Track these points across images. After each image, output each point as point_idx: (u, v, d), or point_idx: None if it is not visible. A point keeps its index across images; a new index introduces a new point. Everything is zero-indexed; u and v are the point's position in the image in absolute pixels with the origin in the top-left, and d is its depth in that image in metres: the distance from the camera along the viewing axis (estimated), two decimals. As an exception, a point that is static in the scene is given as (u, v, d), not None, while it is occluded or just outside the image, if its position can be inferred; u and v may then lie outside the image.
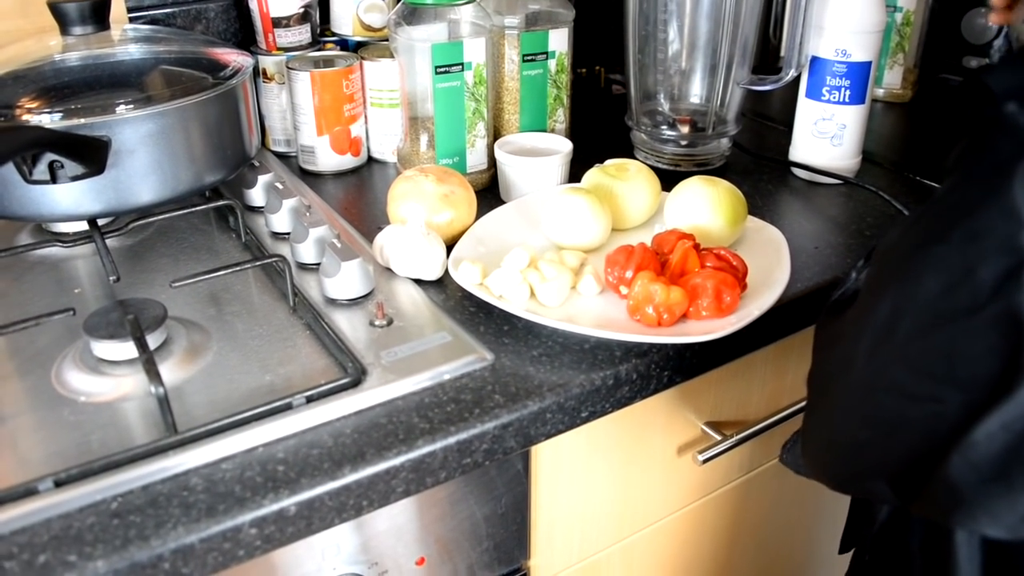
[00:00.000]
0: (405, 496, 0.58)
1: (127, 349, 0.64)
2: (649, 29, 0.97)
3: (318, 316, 0.69)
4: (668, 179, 0.86)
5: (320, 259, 0.74)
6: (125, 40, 0.84)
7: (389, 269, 0.76)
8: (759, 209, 0.88)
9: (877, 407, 0.45)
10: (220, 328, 0.70)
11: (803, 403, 0.82)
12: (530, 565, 0.74)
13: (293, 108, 0.95)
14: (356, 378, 0.61)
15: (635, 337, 0.66)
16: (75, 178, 0.70)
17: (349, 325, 0.68)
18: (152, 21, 1.00)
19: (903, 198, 0.88)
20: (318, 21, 1.02)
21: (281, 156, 1.02)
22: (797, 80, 0.94)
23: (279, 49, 0.98)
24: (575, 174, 0.88)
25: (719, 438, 0.78)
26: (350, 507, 0.56)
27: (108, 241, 0.75)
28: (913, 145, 1.10)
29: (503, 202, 0.88)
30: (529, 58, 0.93)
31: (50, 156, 0.69)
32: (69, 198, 0.72)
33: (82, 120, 0.70)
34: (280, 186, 0.84)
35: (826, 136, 0.94)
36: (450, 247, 0.76)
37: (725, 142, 1.00)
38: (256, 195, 0.87)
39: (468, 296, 0.72)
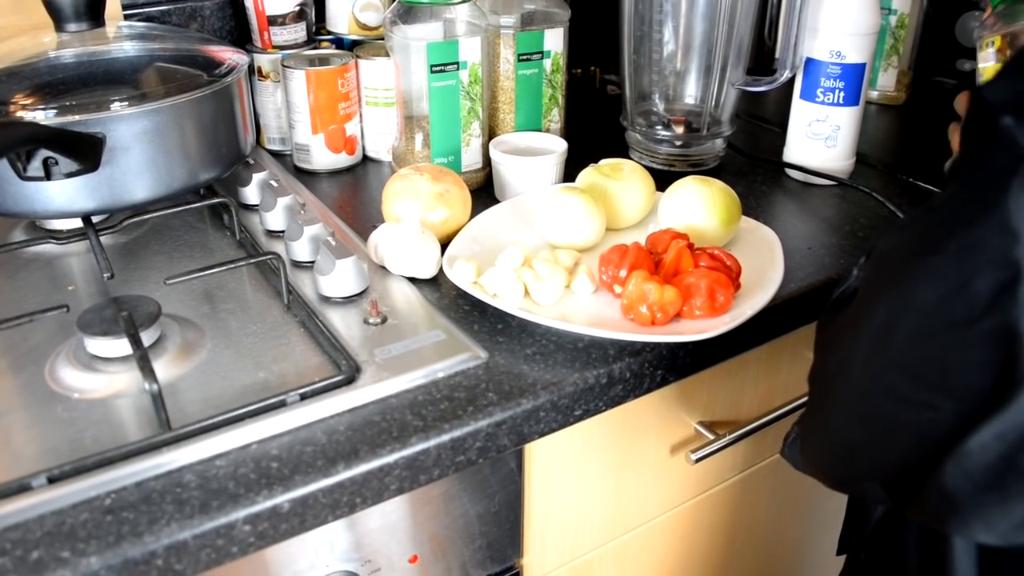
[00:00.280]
0: (399, 493, 0.58)
1: (121, 346, 0.64)
2: (644, 30, 0.97)
3: (312, 314, 0.69)
4: (662, 179, 0.86)
5: (314, 257, 0.75)
6: (120, 37, 0.83)
7: (383, 267, 0.76)
8: (753, 210, 0.88)
9: (873, 410, 0.46)
10: (214, 325, 0.69)
11: (796, 403, 0.83)
12: (523, 564, 0.74)
13: (288, 106, 0.95)
14: (350, 376, 0.62)
15: (629, 336, 0.66)
16: (69, 175, 0.70)
17: (343, 323, 0.69)
18: (147, 18, 1.00)
19: (896, 199, 0.89)
20: (314, 19, 1.03)
21: (276, 154, 1.02)
22: (791, 81, 0.94)
23: (274, 47, 0.98)
24: (570, 174, 0.89)
25: (712, 437, 0.78)
26: (344, 504, 0.56)
27: (102, 238, 0.75)
28: (907, 147, 1.10)
29: (498, 201, 0.88)
30: (524, 58, 0.93)
31: (44, 153, 0.69)
32: (63, 195, 0.72)
33: (77, 117, 0.70)
34: (275, 184, 0.84)
35: (820, 137, 0.94)
36: (444, 246, 0.76)
37: (720, 143, 1.00)
38: (251, 193, 0.87)
39: (462, 294, 0.72)
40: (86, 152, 0.70)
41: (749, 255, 0.76)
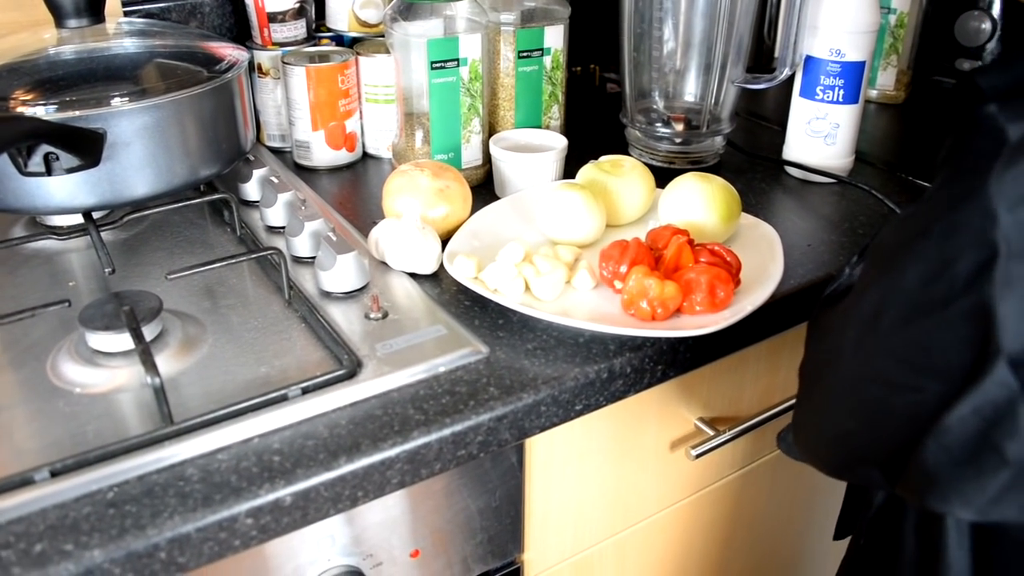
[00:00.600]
0: (400, 487, 0.58)
1: (123, 340, 0.64)
2: (644, 27, 0.97)
3: (313, 309, 0.69)
4: (662, 176, 0.86)
5: (315, 253, 0.75)
6: (120, 34, 0.84)
7: (384, 263, 0.76)
8: (753, 207, 0.88)
9: (863, 396, 0.47)
10: (215, 321, 0.70)
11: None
12: (523, 559, 0.74)
13: (288, 103, 0.95)
14: (351, 370, 0.62)
15: (629, 331, 0.66)
16: (70, 170, 0.70)
17: (344, 318, 0.69)
18: (147, 15, 1.00)
19: (895, 197, 0.89)
20: (314, 16, 1.03)
21: (276, 151, 1.02)
22: (791, 79, 0.94)
23: (274, 44, 0.99)
24: (569, 171, 0.89)
25: (712, 433, 0.78)
26: (345, 498, 0.56)
27: (103, 234, 0.75)
28: (906, 145, 1.10)
29: (498, 198, 0.88)
30: (525, 55, 0.93)
31: (46, 148, 0.69)
32: (64, 191, 0.72)
33: (77, 112, 0.70)
34: (275, 180, 0.84)
35: (819, 135, 0.94)
36: (445, 242, 0.76)
37: (719, 140, 1.00)
38: (251, 189, 0.87)
39: (463, 290, 0.72)
40: (87, 148, 0.70)
41: (749, 251, 0.76)
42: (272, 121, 1.01)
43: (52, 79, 0.74)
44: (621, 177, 0.82)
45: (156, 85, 0.74)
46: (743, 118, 1.15)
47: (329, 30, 1.04)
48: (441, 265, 0.75)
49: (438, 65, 0.86)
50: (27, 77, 0.75)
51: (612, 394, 0.66)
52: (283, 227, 0.81)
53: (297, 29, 0.99)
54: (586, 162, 0.86)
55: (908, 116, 1.20)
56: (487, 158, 0.93)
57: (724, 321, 0.66)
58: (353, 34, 1.02)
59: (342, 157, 0.98)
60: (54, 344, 0.66)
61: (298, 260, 0.77)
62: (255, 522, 0.53)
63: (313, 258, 0.75)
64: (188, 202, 0.82)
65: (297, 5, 0.98)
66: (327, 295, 0.72)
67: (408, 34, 0.86)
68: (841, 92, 0.91)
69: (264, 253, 0.73)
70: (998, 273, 0.39)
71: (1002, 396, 0.40)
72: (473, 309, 0.71)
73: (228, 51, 0.83)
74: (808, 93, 0.93)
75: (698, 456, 0.76)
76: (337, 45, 1.02)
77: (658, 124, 1.00)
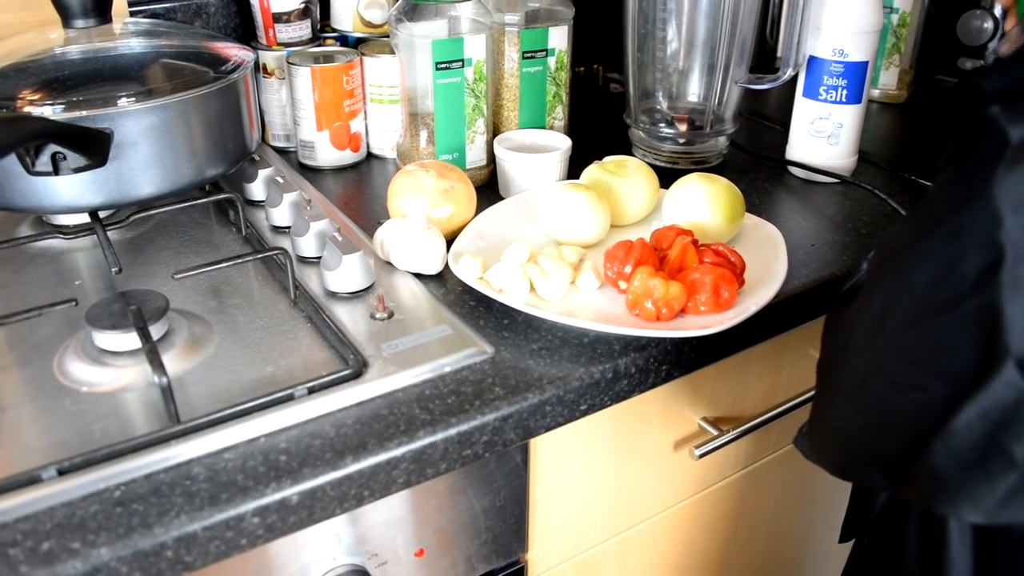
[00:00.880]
0: (406, 487, 0.58)
1: (129, 339, 0.64)
2: (648, 28, 0.97)
3: (319, 309, 0.70)
4: (666, 177, 0.86)
5: (321, 252, 0.75)
6: (127, 34, 0.84)
7: (389, 263, 0.76)
8: (756, 207, 0.88)
9: (870, 396, 0.47)
10: (221, 320, 0.70)
11: (799, 399, 0.83)
12: (528, 559, 0.75)
13: (293, 103, 0.96)
14: (357, 370, 0.62)
15: (634, 331, 0.66)
16: (77, 170, 0.70)
17: (350, 318, 0.69)
18: (153, 15, 1.00)
19: (899, 197, 0.89)
20: (318, 17, 1.03)
21: (281, 151, 1.02)
22: (794, 79, 0.94)
23: (279, 44, 0.99)
24: (573, 171, 0.89)
25: (716, 433, 0.78)
26: (352, 497, 0.56)
27: (109, 234, 0.75)
28: (909, 145, 1.10)
29: (502, 198, 0.88)
30: (529, 55, 0.93)
31: (53, 148, 0.69)
32: (71, 190, 0.72)
33: (84, 112, 0.70)
34: (281, 180, 0.84)
35: (823, 135, 0.94)
36: (450, 242, 0.77)
37: (723, 140, 1.00)
38: (256, 189, 0.88)
39: (468, 290, 0.73)
40: (94, 147, 0.70)
41: (753, 251, 0.77)
42: (277, 121, 1.01)
43: (59, 79, 0.75)
44: (625, 177, 0.83)
45: (162, 85, 0.75)
46: (746, 118, 1.15)
47: (334, 30, 1.04)
48: (446, 265, 0.75)
49: (443, 66, 0.86)
50: (34, 77, 0.75)
51: (617, 394, 0.67)
52: (288, 227, 0.81)
53: (302, 29, 1.00)
54: (590, 162, 0.86)
55: (911, 115, 1.20)
56: (491, 158, 0.93)
57: (728, 321, 0.66)
58: (358, 34, 1.03)
59: (347, 157, 0.98)
60: (61, 343, 0.67)
61: (304, 260, 0.77)
62: (261, 521, 0.53)
63: (319, 258, 0.75)
64: (194, 202, 0.83)
65: (302, 5, 0.99)
66: (333, 295, 0.72)
67: (413, 35, 0.86)
68: (844, 92, 0.92)
69: (270, 253, 0.73)
70: (1005, 275, 0.39)
71: (1010, 398, 0.40)
72: (478, 309, 0.71)
73: (234, 51, 0.83)
74: (811, 93, 0.94)
75: (702, 456, 0.77)
76: (342, 45, 1.02)
77: (662, 124, 1.00)
